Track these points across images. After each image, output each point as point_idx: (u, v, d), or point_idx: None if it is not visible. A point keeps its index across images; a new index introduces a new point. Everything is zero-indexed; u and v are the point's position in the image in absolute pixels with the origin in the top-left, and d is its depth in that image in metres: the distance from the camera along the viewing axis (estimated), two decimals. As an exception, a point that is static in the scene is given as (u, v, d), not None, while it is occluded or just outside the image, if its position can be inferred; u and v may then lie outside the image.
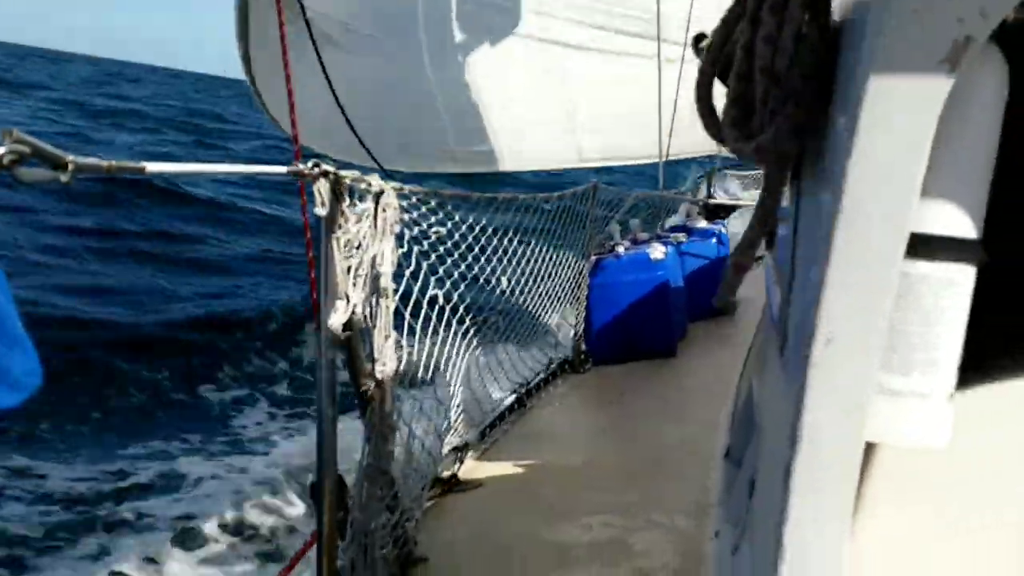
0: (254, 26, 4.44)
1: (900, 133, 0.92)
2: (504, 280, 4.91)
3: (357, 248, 2.35)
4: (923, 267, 1.00)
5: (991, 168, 1.00)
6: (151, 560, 5.66)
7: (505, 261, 4.77)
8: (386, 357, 2.50)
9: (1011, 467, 1.10)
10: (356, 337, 2.45)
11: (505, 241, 4.65)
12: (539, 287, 5.65)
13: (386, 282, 2.43)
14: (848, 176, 0.94)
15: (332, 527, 2.52)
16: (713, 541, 2.71)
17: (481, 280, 4.39)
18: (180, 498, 6.67)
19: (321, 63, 3.79)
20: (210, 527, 6.12)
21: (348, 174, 2.28)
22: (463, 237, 3.60)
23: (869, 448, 1.09)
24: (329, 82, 3.70)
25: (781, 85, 1.08)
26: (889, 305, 0.98)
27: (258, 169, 2.17)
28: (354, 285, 2.33)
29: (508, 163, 6.84)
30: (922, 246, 0.99)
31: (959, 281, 1.01)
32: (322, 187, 2.17)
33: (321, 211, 2.19)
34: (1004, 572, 1.09)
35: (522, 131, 6.68)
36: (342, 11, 4.99)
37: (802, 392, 1.02)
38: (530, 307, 5.67)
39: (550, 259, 5.78)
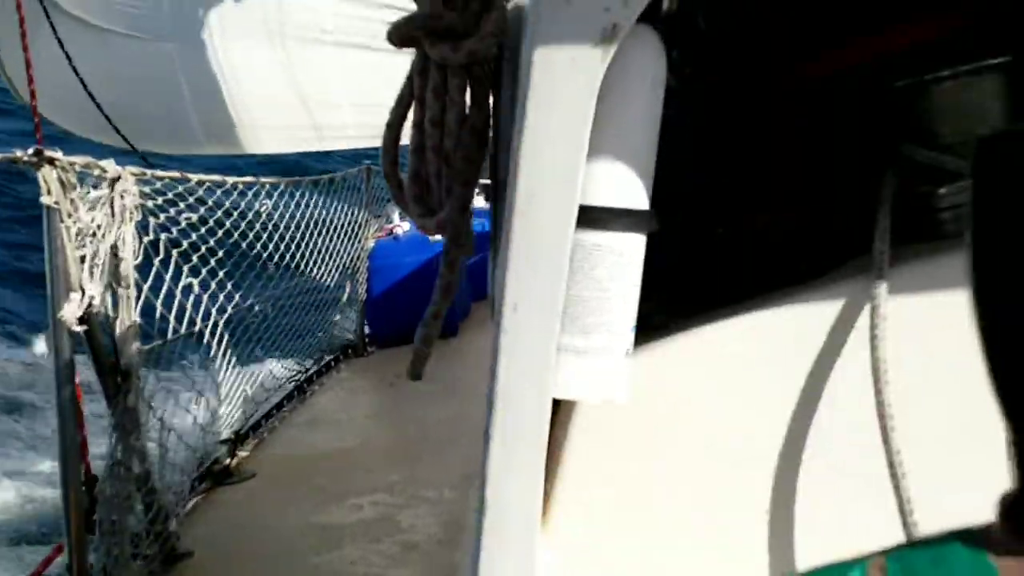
0: None
1: (561, 117, 1.00)
2: (272, 266, 4.80)
3: (92, 237, 2.24)
4: (594, 237, 1.08)
5: (654, 143, 1.09)
6: None
7: (271, 247, 4.66)
8: (130, 348, 2.40)
9: (692, 416, 1.22)
10: (95, 329, 2.33)
11: (270, 227, 4.53)
12: (315, 272, 5.57)
13: (127, 270, 2.33)
14: (520, 160, 1.01)
15: (80, 528, 2.40)
16: (475, 511, 2.81)
17: (246, 267, 4.26)
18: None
19: (53, 29, 3.51)
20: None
21: (77, 160, 2.16)
22: (219, 223, 3.49)
23: (564, 407, 1.18)
24: (66, 53, 3.43)
25: (450, 165, 1.14)
26: (564, 272, 1.05)
27: (-31, 158, 2.01)
28: (90, 276, 2.22)
29: (260, 145, 6.62)
30: (593, 218, 1.07)
31: (629, 248, 1.10)
32: (47, 174, 2.05)
33: (47, 199, 2.07)
34: (689, 517, 1.21)
35: (269, 113, 6.49)
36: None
37: (496, 356, 1.09)
38: (306, 293, 5.57)
39: (325, 244, 5.70)
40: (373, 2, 6.04)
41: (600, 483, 1.24)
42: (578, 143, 1.01)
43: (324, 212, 5.74)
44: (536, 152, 1.01)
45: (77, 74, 3.39)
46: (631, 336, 1.13)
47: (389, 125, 1.30)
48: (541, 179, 1.02)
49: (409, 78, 1.22)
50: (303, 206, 5.25)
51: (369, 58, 5.91)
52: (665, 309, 1.25)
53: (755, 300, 1.21)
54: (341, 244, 5.99)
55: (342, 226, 6.02)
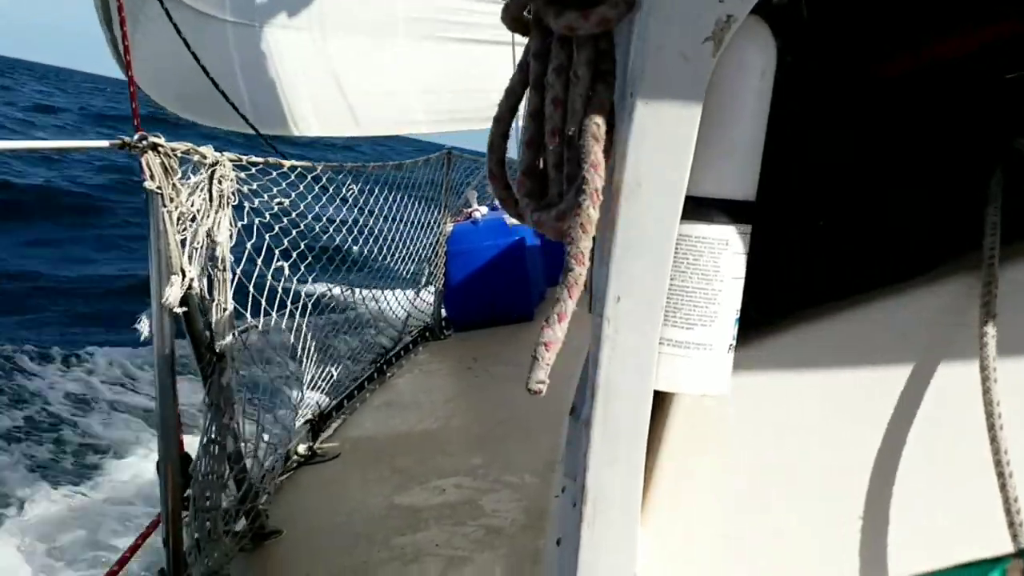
0: None
1: (672, 108, 0.98)
2: (356, 250, 4.88)
3: (192, 221, 2.30)
4: (700, 229, 1.07)
5: (762, 134, 1.07)
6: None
7: (356, 231, 4.74)
8: (225, 330, 2.47)
9: (791, 413, 1.20)
10: (194, 311, 2.41)
11: (355, 211, 4.62)
12: (395, 255, 5.64)
13: (223, 253, 2.39)
14: (628, 150, 1.00)
15: (177, 504, 2.48)
16: (559, 497, 2.81)
17: (332, 250, 4.35)
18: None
19: (170, 16, 3.60)
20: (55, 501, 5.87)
21: (179, 145, 2.22)
22: (308, 207, 3.56)
23: (663, 399, 1.17)
24: (181, 35, 3.52)
25: (574, 148, 1.05)
26: (669, 265, 1.04)
27: (78, 144, 2.09)
28: (189, 259, 2.29)
29: (370, 128, 6.74)
30: (698, 209, 1.06)
31: (734, 240, 1.08)
32: (150, 160, 2.11)
33: (150, 184, 2.14)
34: (786, 514, 1.19)
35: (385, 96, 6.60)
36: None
37: (598, 346, 1.08)
38: (387, 276, 5.66)
39: (406, 227, 5.78)
40: None
41: (698, 477, 1.23)
42: (686, 135, 1.00)
43: (405, 197, 5.81)
44: (643, 143, 1.00)
45: (199, 61, 3.48)
46: (734, 330, 1.11)
47: (497, 119, 1.21)
48: (647, 170, 1.01)
49: (521, 66, 1.16)
50: (386, 190, 5.33)
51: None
52: (764, 304, 1.24)
53: (857, 296, 1.19)
54: (421, 228, 6.06)
55: (422, 210, 6.10)
